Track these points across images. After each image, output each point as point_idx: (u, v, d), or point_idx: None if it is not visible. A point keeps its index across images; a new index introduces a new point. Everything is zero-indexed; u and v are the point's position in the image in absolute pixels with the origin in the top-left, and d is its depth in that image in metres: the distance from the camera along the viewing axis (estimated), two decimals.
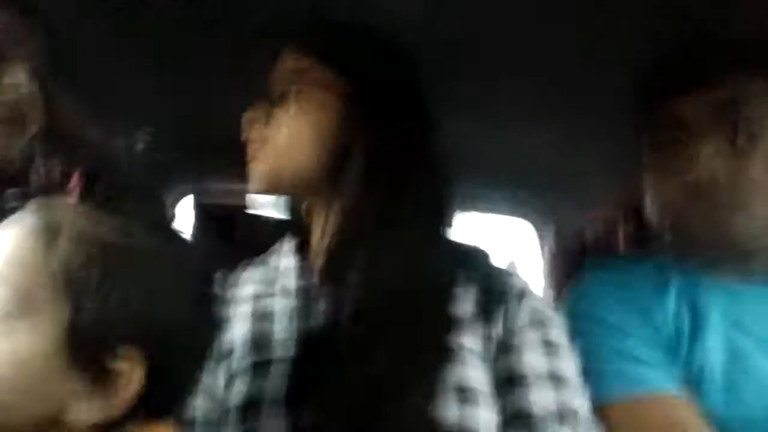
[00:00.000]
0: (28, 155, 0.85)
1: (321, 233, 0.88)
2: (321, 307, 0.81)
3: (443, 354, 0.74)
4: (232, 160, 0.89)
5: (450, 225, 0.87)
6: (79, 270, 0.55)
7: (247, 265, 0.96)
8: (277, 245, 0.96)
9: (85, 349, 0.54)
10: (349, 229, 0.81)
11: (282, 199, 0.93)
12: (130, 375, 0.55)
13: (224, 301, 0.88)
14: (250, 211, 1.83)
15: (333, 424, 0.72)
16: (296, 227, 0.94)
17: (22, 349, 0.53)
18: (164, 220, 0.67)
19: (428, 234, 0.83)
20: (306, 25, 0.89)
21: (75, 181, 0.61)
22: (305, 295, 0.84)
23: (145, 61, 1.21)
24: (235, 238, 1.82)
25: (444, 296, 0.80)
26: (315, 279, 0.85)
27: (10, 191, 0.83)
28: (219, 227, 1.81)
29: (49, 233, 0.57)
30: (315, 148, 0.84)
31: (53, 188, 0.57)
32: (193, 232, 1.71)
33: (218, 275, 0.87)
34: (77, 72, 0.98)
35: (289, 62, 0.87)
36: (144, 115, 1.32)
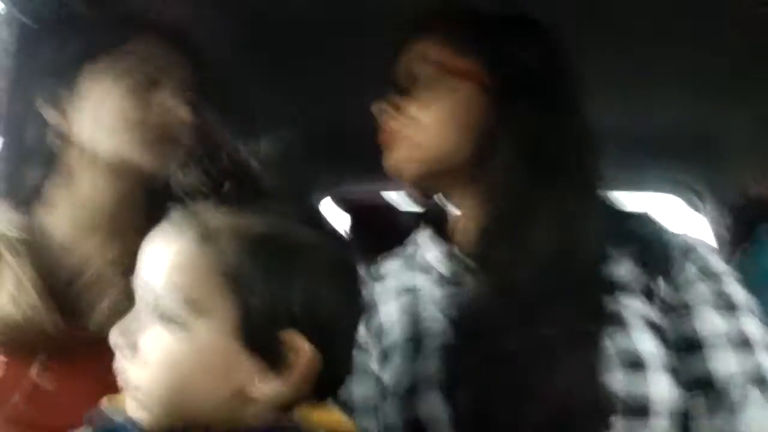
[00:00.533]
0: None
1: (467, 218, 0.88)
2: (474, 289, 0.81)
3: (604, 318, 0.72)
4: (366, 159, 0.91)
5: (602, 198, 0.85)
6: (241, 266, 0.59)
7: (388, 255, 0.98)
8: (412, 235, 0.97)
9: (256, 337, 0.58)
10: (503, 211, 0.80)
11: (417, 189, 0.92)
12: (298, 357, 0.59)
13: (371, 291, 0.91)
14: (386, 203, 1.86)
15: (494, 405, 0.72)
16: (433, 216, 0.94)
17: (202, 347, 0.58)
18: (312, 214, 0.71)
19: (581, 205, 0.81)
20: (439, 13, 0.88)
21: (224, 185, 0.65)
22: (454, 280, 0.85)
23: (276, 63, 1.27)
24: (374, 230, 1.86)
25: (600, 260, 0.78)
26: (462, 263, 0.85)
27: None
28: (358, 219, 1.87)
29: (209, 235, 0.60)
30: (457, 136, 0.83)
31: (203, 194, 0.63)
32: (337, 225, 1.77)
33: (363, 265, 0.91)
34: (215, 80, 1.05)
35: (424, 51, 0.86)
36: (278, 119, 1.40)
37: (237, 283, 0.58)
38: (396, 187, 1.76)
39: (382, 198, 1.91)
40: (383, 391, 0.83)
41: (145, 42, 0.89)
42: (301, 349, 0.58)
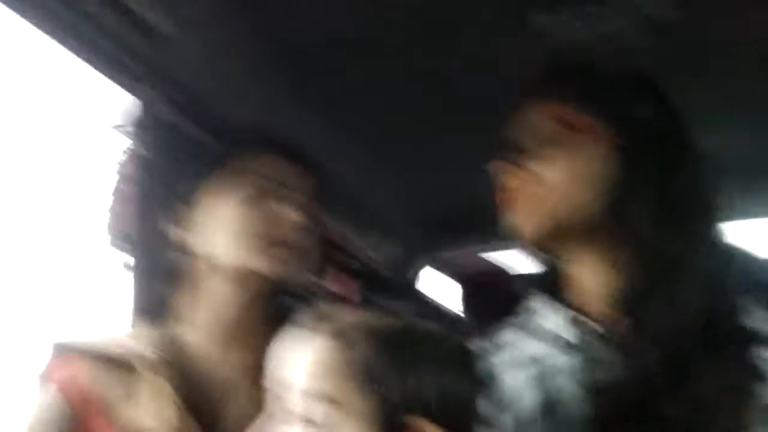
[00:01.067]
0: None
1: (589, 279, 0.85)
2: (611, 356, 0.78)
3: (752, 374, 0.70)
4: (465, 226, 0.91)
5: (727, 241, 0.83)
6: (377, 362, 0.61)
7: (503, 324, 0.95)
8: (525, 301, 0.94)
9: (392, 428, 0.60)
10: (649, 269, 0.79)
11: (537, 248, 0.90)
12: None
13: (490, 363, 0.88)
14: (493, 267, 1.83)
15: None
16: (544, 279, 0.92)
17: None
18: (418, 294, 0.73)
19: (718, 255, 0.79)
20: (556, 71, 0.90)
21: (345, 287, 0.67)
22: (583, 347, 0.82)
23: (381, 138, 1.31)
24: (484, 295, 1.84)
25: (738, 311, 0.75)
26: (589, 328, 0.83)
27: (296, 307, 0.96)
28: (467, 286, 1.85)
29: (342, 334, 0.62)
30: (584, 192, 0.82)
31: (328, 295, 0.66)
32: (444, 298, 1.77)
33: (480, 340, 0.91)
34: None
35: (546, 109, 0.86)
36: (379, 197, 1.44)
37: (373, 379, 0.60)
38: (499, 249, 1.74)
39: (487, 262, 1.89)
40: None
41: (255, 155, 0.95)
42: None
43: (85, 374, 0.86)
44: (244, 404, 0.86)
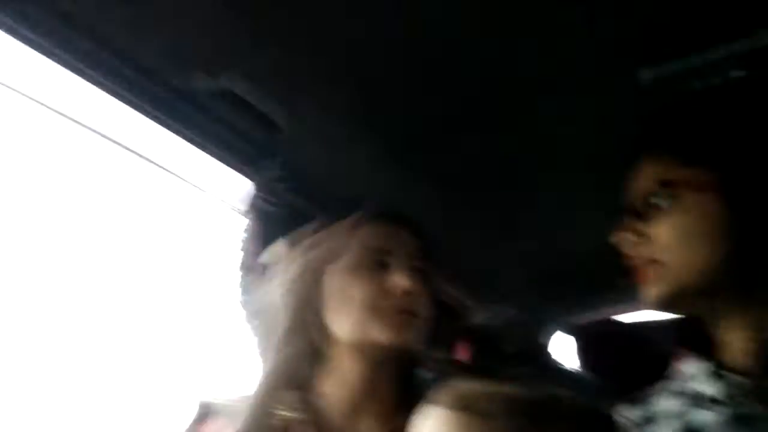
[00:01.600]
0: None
1: (740, 338, 0.82)
2: (759, 412, 0.75)
3: None
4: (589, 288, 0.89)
5: None
6: None
7: (652, 391, 0.91)
8: (677, 365, 0.90)
9: None
10: None
11: (674, 313, 0.88)
12: None
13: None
14: (623, 325, 1.76)
15: None
16: (696, 341, 0.88)
17: None
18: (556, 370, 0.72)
19: None
20: (654, 127, 0.89)
21: (463, 351, 0.67)
22: (736, 403, 0.78)
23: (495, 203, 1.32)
24: (615, 356, 1.75)
25: None
26: (743, 384, 0.79)
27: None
28: (584, 341, 1.77)
29: (479, 409, 0.61)
30: (712, 254, 0.80)
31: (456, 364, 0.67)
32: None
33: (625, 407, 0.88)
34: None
35: (651, 169, 0.86)
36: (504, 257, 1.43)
37: None
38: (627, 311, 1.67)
39: (616, 322, 1.80)
40: None
41: (367, 228, 0.99)
42: None
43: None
44: None
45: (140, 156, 1.09)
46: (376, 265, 0.95)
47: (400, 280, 0.93)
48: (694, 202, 0.81)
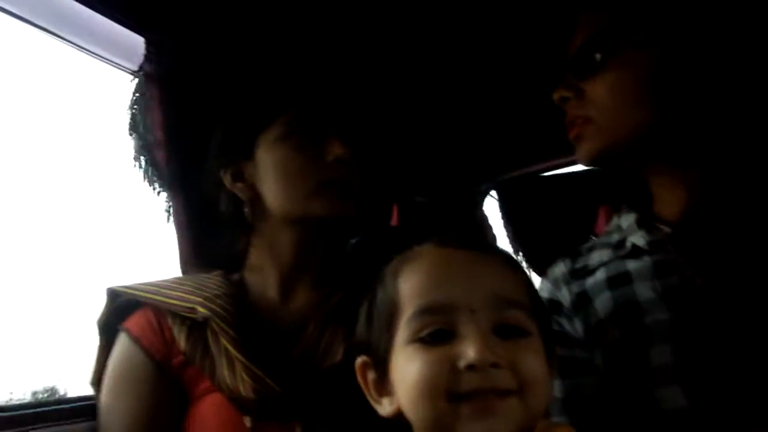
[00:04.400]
0: None
1: (670, 195, 0.85)
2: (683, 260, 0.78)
3: None
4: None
5: None
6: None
7: (591, 245, 0.95)
8: (614, 220, 0.93)
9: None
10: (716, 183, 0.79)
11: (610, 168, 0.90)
12: None
13: (582, 285, 0.89)
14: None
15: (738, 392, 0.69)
16: (631, 196, 0.91)
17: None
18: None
19: None
20: None
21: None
22: (673, 265, 0.81)
23: None
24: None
25: None
26: (679, 246, 0.82)
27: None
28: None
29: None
30: (644, 114, 0.81)
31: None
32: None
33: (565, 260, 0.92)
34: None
35: (592, 19, 0.85)
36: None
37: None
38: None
39: (539, 176, 1.83)
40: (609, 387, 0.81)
41: (302, 105, 0.94)
42: None
43: (157, 323, 0.88)
44: (311, 340, 0.86)
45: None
46: (309, 140, 0.92)
47: (330, 156, 0.91)
48: (628, 58, 0.81)
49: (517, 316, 0.61)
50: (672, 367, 0.75)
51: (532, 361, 0.59)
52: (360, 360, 0.67)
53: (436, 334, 0.59)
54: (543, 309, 0.67)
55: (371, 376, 0.65)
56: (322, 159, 0.91)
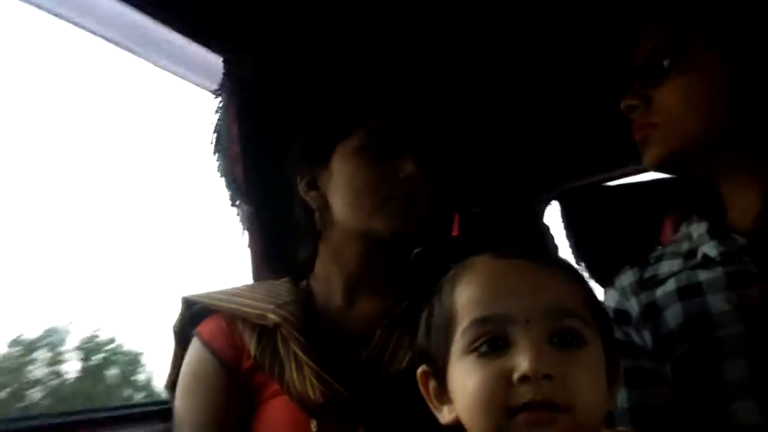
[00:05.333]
0: None
1: (746, 199, 0.84)
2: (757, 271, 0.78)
3: None
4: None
5: None
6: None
7: (659, 254, 0.94)
8: (683, 228, 0.92)
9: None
10: None
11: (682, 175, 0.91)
12: None
13: (651, 297, 0.89)
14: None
15: None
16: (703, 203, 0.91)
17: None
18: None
19: None
20: None
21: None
22: (744, 274, 0.80)
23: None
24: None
25: None
26: (741, 243, 0.82)
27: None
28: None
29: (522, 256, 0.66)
30: (713, 116, 0.81)
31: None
32: None
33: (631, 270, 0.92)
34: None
35: (657, 27, 0.85)
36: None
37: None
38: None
39: (602, 185, 1.81)
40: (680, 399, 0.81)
41: (381, 117, 0.97)
42: None
43: (229, 329, 0.92)
44: (378, 347, 0.89)
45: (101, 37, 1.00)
46: (384, 154, 0.94)
47: (406, 171, 0.93)
48: (698, 62, 0.81)
49: (573, 325, 0.61)
50: (747, 381, 0.74)
51: (586, 374, 0.60)
52: (421, 369, 0.68)
53: (491, 345, 0.60)
54: (604, 318, 0.67)
55: (432, 384, 0.67)
56: (393, 175, 0.93)
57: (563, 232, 1.70)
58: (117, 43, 1.01)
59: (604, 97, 0.93)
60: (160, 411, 1.04)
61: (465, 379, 0.61)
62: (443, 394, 0.66)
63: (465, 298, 0.64)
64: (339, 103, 0.99)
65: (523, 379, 0.57)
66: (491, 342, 0.61)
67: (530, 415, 0.57)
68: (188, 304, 0.96)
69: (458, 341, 0.63)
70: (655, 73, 0.84)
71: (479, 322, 0.62)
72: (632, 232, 1.49)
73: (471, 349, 0.61)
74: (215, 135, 1.06)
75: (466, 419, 0.62)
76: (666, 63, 0.83)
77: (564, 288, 0.64)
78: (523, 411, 0.57)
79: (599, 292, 0.93)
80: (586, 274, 1.62)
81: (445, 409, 0.66)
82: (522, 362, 0.58)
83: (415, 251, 1.14)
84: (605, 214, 1.65)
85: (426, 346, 0.68)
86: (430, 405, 0.68)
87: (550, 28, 1.10)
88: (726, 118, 0.80)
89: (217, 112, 1.06)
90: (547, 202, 1.73)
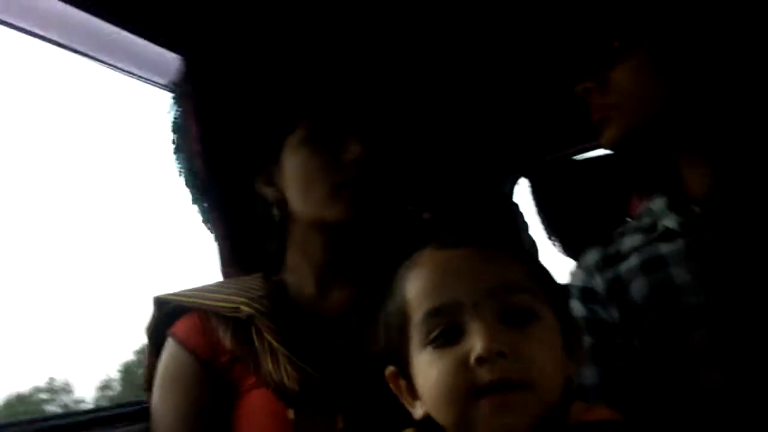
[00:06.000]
0: None
1: (697, 174, 0.87)
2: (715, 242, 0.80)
3: None
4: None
5: None
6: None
7: (622, 230, 0.96)
8: (644, 204, 0.95)
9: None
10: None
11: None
12: None
13: (617, 271, 0.90)
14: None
15: None
16: (660, 181, 0.93)
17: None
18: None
19: None
20: None
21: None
22: (704, 246, 0.82)
23: None
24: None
25: None
26: (707, 226, 0.84)
27: None
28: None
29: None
30: (667, 96, 0.83)
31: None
32: None
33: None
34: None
35: (609, 19, 0.87)
36: None
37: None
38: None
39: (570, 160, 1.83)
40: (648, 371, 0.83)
41: (324, 108, 0.96)
42: None
43: (203, 326, 0.92)
44: (353, 333, 0.90)
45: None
46: (329, 143, 0.94)
47: (350, 160, 0.92)
48: (646, 42, 0.83)
49: (522, 300, 0.62)
50: (709, 350, 0.77)
51: (540, 348, 0.61)
52: (389, 370, 0.70)
53: (445, 335, 0.61)
54: (555, 290, 0.68)
55: (401, 383, 0.68)
56: (340, 162, 0.93)
57: (533, 209, 1.72)
58: (64, 46, 0.99)
59: (567, 70, 0.94)
60: (137, 412, 1.04)
61: (426, 372, 0.62)
62: (412, 391, 0.67)
63: (414, 292, 0.66)
64: (281, 99, 0.98)
65: (480, 360, 0.58)
66: (445, 333, 0.62)
67: (492, 400, 0.58)
68: (160, 303, 0.96)
69: (414, 336, 0.64)
70: (607, 55, 0.86)
71: (431, 313, 0.63)
72: (602, 206, 1.51)
73: (427, 342, 0.63)
74: (174, 134, 1.05)
75: (433, 411, 0.63)
76: (617, 44, 0.85)
77: (508, 266, 0.65)
78: (485, 396, 0.58)
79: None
80: (559, 251, 1.65)
81: (417, 404, 0.67)
82: (476, 344, 0.59)
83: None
84: (574, 188, 1.67)
85: (387, 345, 0.69)
86: (404, 403, 0.69)
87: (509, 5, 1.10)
88: (673, 97, 0.82)
89: (172, 109, 1.05)
90: (516, 180, 1.75)
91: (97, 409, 1.45)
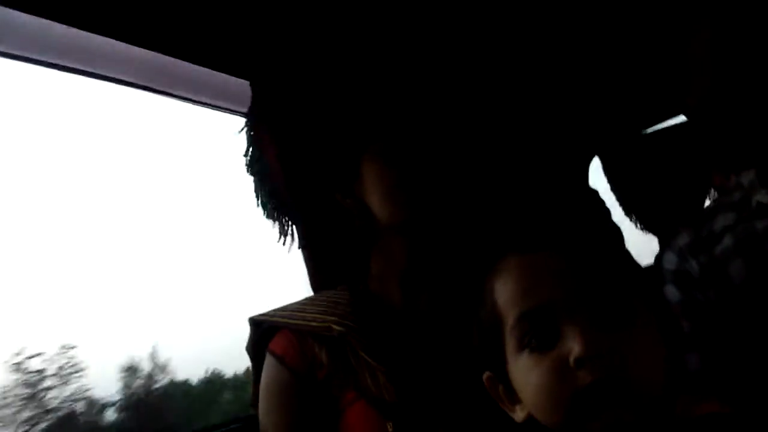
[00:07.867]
0: None
1: None
2: None
3: None
4: None
5: None
6: None
7: (711, 210, 0.94)
8: (733, 180, 0.91)
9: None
10: None
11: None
12: None
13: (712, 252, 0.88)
14: None
15: None
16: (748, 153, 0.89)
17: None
18: None
19: None
20: None
21: None
22: None
23: None
24: None
25: None
26: None
27: None
28: None
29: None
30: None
31: None
32: None
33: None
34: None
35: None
36: None
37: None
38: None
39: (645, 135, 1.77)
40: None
41: (399, 127, 0.98)
42: None
43: (299, 343, 0.95)
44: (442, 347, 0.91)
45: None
46: (406, 156, 0.95)
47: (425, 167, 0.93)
48: None
49: (613, 297, 0.62)
50: None
51: (636, 343, 0.61)
52: (485, 375, 0.71)
53: (540, 337, 0.62)
54: (647, 283, 0.68)
55: (499, 387, 0.69)
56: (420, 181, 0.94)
57: (608, 187, 1.69)
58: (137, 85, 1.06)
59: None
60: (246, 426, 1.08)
61: (526, 377, 0.64)
62: (512, 394, 0.68)
63: (504, 297, 0.66)
64: (358, 118, 1.01)
65: (579, 362, 0.59)
66: (539, 335, 0.63)
67: (596, 400, 0.59)
68: (255, 324, 1.00)
69: (509, 340, 0.65)
70: None
71: (524, 316, 0.64)
72: (678, 177, 1.47)
73: (523, 345, 0.64)
74: (249, 157, 1.09)
75: (537, 415, 0.64)
76: None
77: (598, 266, 0.65)
78: (588, 397, 0.59)
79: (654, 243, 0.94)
80: (640, 227, 1.61)
81: (517, 408, 0.68)
82: (574, 346, 0.60)
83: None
84: (648, 162, 1.62)
85: (481, 351, 0.71)
86: (504, 407, 0.70)
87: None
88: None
89: (249, 132, 1.09)
90: (589, 161, 1.72)
91: (213, 426, 1.52)
